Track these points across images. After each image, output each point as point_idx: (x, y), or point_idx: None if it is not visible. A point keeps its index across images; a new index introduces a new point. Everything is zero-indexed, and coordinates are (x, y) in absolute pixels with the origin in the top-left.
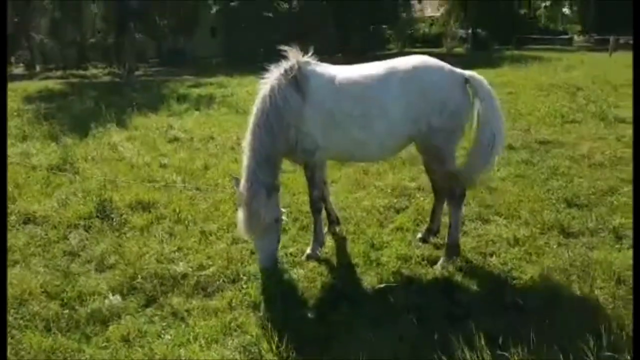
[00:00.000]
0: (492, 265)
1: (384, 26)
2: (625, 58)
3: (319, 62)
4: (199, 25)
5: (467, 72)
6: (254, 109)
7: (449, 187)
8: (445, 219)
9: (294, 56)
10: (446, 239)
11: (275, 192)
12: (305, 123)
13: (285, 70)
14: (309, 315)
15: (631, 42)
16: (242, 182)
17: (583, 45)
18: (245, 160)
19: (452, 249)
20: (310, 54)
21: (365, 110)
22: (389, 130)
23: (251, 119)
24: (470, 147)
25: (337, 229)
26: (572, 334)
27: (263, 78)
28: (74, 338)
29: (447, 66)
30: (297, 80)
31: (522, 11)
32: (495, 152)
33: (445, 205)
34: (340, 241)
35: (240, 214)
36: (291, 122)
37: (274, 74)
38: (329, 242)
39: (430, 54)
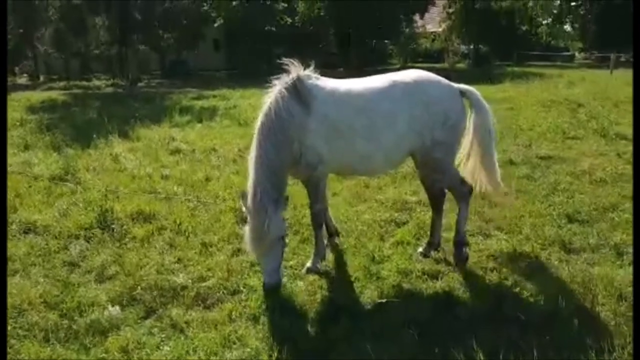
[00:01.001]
0: (493, 280)
1: (385, 41)
2: (626, 75)
3: (319, 76)
4: (202, 38)
5: (462, 86)
6: (259, 123)
7: (458, 189)
8: (445, 234)
9: (295, 70)
10: (454, 237)
11: (282, 207)
12: (308, 136)
13: (287, 84)
14: (309, 328)
15: (632, 59)
16: (249, 196)
17: (584, 62)
18: (251, 174)
19: (461, 245)
20: (311, 67)
21: (370, 122)
22: (394, 143)
23: (256, 133)
24: (477, 161)
25: (337, 240)
26: (574, 349)
27: (266, 91)
28: (72, 349)
29: (443, 80)
30: (300, 93)
31: (524, 28)
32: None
33: (443, 221)
34: (341, 254)
35: (247, 229)
36: (295, 135)
37: (276, 88)
38: (330, 255)
39: (432, 70)
